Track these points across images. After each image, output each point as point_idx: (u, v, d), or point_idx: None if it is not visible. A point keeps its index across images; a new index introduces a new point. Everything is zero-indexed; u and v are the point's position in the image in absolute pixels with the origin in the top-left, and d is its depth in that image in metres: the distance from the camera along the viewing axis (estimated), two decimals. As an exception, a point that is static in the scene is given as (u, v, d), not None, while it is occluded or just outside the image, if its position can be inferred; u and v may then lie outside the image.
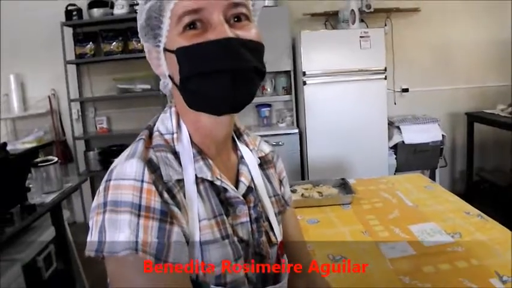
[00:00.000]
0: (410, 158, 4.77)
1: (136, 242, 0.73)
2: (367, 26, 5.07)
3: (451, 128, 5.58)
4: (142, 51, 4.03)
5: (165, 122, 0.93)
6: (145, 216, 0.75)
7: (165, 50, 0.86)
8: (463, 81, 5.53)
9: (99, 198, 0.79)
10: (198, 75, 0.82)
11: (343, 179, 2.84)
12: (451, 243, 2.04)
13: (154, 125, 0.94)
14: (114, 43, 4.99)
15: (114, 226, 0.74)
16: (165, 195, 0.80)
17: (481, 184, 5.19)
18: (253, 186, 1.00)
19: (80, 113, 5.34)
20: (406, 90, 5.38)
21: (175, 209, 0.81)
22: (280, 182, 1.15)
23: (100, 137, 5.35)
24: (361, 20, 4.97)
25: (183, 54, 0.82)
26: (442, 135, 4.94)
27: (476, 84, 5.55)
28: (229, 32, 0.81)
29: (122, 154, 0.86)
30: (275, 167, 1.16)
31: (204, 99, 0.85)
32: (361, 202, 2.60)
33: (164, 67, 0.89)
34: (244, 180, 0.98)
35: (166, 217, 0.77)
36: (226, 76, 0.80)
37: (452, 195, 2.70)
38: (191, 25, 0.82)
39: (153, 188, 0.78)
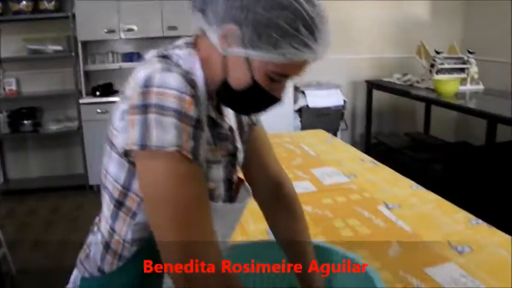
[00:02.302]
0: (314, 121, 5.08)
1: (181, 141, 0.87)
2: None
3: (352, 94, 5.98)
4: (54, 11, 4.04)
5: (185, 60, 1.01)
6: (186, 122, 0.88)
7: (247, 59, 0.95)
8: (364, 52, 5.93)
9: (135, 101, 0.89)
10: (248, 99, 1.01)
11: (252, 132, 3.05)
12: (347, 182, 2.33)
13: (166, 56, 1.01)
14: (24, 2, 4.85)
15: (162, 126, 0.86)
16: (198, 107, 0.93)
17: (378, 146, 5.61)
18: (233, 125, 1.17)
19: (-14, 74, 5.20)
20: (311, 58, 5.67)
21: (203, 119, 0.96)
22: None
23: (8, 99, 5.24)
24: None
25: (255, 88, 0.98)
26: (344, 100, 5.30)
27: (377, 55, 5.96)
28: (283, 96, 1.04)
29: (149, 67, 0.93)
30: None
31: (235, 103, 1.06)
32: (269, 152, 2.83)
33: (225, 49, 0.97)
34: (227, 121, 1.15)
35: (199, 124, 0.91)
36: (258, 111, 1.09)
37: (350, 146, 3.02)
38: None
39: (192, 100, 0.90)
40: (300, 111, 5.18)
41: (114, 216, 1.04)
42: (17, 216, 4.58)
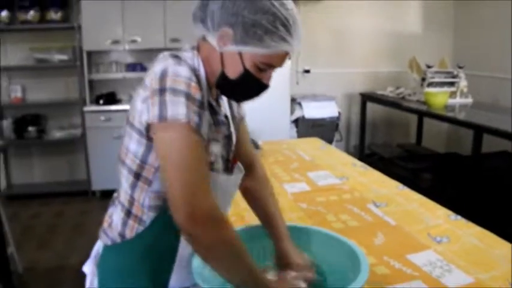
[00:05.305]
0: (310, 131, 5.25)
1: (189, 115, 1.10)
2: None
3: (347, 106, 6.18)
4: (59, 22, 4.22)
5: (191, 60, 1.25)
6: (192, 102, 1.12)
7: (239, 53, 1.20)
8: (359, 65, 6.13)
9: (155, 86, 1.12)
10: (242, 86, 1.25)
11: (251, 139, 3.24)
12: (339, 184, 2.52)
13: (176, 56, 1.24)
14: (31, 12, 5.01)
15: (176, 104, 1.09)
16: (202, 93, 1.17)
17: (370, 157, 5.80)
18: (228, 115, 1.41)
19: (-7, 82, 5.31)
20: (307, 71, 5.89)
21: (205, 103, 1.20)
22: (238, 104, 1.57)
23: (14, 106, 5.37)
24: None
25: (246, 75, 1.22)
26: (338, 112, 5.50)
27: (371, 69, 6.17)
28: (269, 82, 1.27)
29: (164, 62, 1.17)
30: None
31: (231, 91, 1.30)
32: (267, 157, 3.04)
33: (222, 47, 1.21)
34: (223, 110, 1.39)
35: (202, 105, 1.15)
36: (251, 97, 1.31)
37: (342, 153, 3.22)
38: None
39: (198, 86, 1.15)
40: (296, 121, 5.37)
41: (133, 186, 1.27)
42: (21, 219, 4.71)
